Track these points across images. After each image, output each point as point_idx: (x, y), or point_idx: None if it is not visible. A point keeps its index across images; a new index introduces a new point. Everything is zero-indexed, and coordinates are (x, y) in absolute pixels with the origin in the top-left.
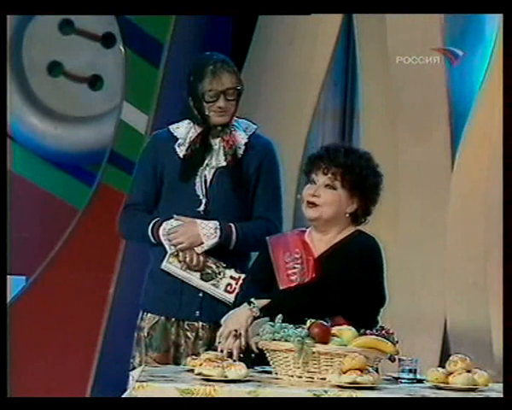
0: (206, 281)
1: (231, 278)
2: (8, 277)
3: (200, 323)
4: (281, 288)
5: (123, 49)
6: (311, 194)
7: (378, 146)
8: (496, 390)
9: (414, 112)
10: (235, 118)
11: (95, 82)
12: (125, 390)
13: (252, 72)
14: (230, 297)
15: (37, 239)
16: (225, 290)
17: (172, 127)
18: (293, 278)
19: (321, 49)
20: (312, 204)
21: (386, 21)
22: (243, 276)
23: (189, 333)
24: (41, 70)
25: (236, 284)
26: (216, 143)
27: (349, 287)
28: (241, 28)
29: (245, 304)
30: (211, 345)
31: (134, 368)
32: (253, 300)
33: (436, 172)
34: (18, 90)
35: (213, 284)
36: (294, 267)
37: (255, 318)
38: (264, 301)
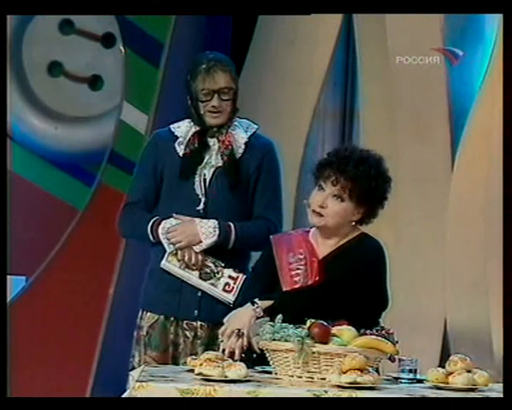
0: (205, 280)
1: (230, 277)
2: (8, 277)
3: (199, 322)
4: (284, 289)
5: (123, 49)
6: (319, 204)
7: (378, 146)
8: (496, 390)
9: (414, 112)
10: (236, 118)
11: (95, 82)
12: (125, 390)
13: (252, 72)
14: (229, 297)
15: (37, 239)
16: (224, 290)
17: (173, 126)
18: (296, 279)
19: (321, 49)
20: (318, 214)
21: (386, 21)
22: (242, 275)
23: (187, 333)
24: (41, 70)
25: (235, 283)
26: (213, 142)
27: (352, 290)
28: (241, 28)
29: (248, 304)
30: (209, 345)
31: (133, 367)
32: (256, 300)
33: (436, 172)
34: (18, 90)
35: (212, 284)
36: (298, 268)
37: (258, 318)
38: (268, 302)
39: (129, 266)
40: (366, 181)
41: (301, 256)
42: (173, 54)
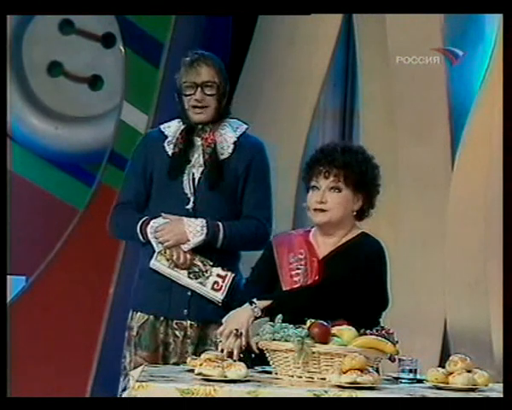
0: (194, 279)
1: (218, 276)
2: (8, 277)
3: (189, 322)
4: (284, 289)
5: (123, 49)
6: (318, 201)
7: (378, 146)
8: (496, 390)
9: (414, 112)
10: (227, 119)
11: (95, 82)
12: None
13: (252, 72)
14: (217, 295)
15: (37, 239)
16: (212, 288)
17: (164, 126)
18: (296, 279)
19: (321, 49)
20: (320, 210)
21: (386, 21)
22: (230, 274)
23: (177, 332)
24: (41, 70)
25: (223, 282)
26: (199, 141)
27: (352, 290)
28: (241, 28)
29: (246, 304)
30: (199, 344)
31: (125, 368)
32: (254, 300)
33: (436, 172)
34: (18, 90)
35: (200, 283)
36: (298, 268)
37: (256, 318)
38: (266, 302)
39: (129, 266)
40: (356, 166)
41: (301, 256)
42: (173, 54)
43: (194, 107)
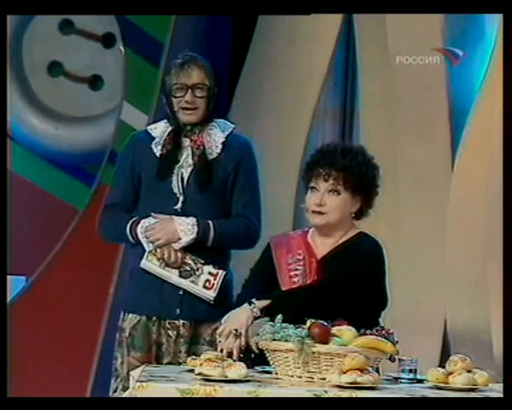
0: (185, 278)
1: (209, 274)
2: (8, 277)
3: (181, 321)
4: (283, 289)
5: (123, 49)
6: (317, 203)
7: (378, 146)
8: (496, 390)
9: (414, 112)
10: (215, 119)
11: (95, 82)
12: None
13: (252, 72)
14: (209, 293)
15: (37, 239)
16: (204, 287)
17: (150, 128)
18: (295, 279)
19: (321, 49)
20: (319, 213)
21: (386, 21)
22: (221, 272)
23: (170, 332)
24: (41, 70)
25: (215, 279)
26: (187, 142)
27: (351, 289)
28: (241, 28)
29: (246, 304)
30: (192, 343)
31: (116, 369)
32: (253, 300)
33: (436, 172)
34: (18, 90)
35: (192, 281)
36: (297, 269)
37: (255, 318)
38: (265, 302)
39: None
40: (356, 168)
41: (300, 257)
42: (173, 54)
43: (184, 108)
